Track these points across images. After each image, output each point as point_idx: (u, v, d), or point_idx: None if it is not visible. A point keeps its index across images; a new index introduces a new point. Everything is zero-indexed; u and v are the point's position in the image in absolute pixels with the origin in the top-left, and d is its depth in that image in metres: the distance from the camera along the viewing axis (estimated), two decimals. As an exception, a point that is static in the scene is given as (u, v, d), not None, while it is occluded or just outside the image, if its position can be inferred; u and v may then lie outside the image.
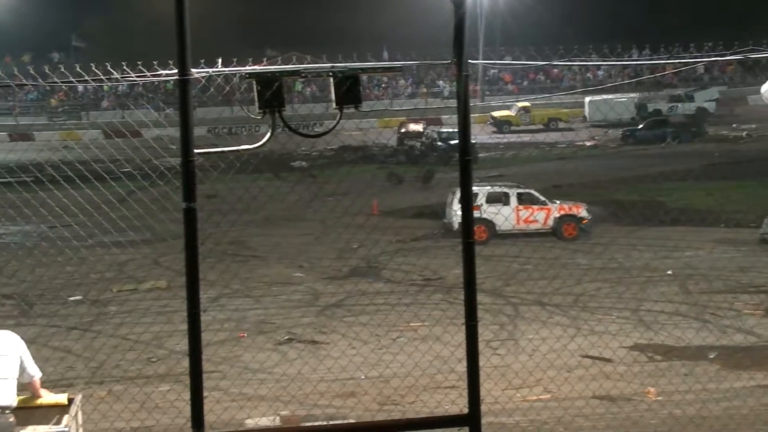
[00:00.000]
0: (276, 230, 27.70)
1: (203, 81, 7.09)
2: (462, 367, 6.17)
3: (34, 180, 12.32)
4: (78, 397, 8.51)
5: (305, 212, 30.15)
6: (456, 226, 24.70)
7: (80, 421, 8.53)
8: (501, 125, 64.18)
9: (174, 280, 20.04)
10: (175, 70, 6.31)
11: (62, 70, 9.09)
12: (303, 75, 7.04)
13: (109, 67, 7.67)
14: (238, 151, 6.95)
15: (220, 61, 7.08)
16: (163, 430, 11.07)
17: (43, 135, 65.26)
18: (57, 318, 17.52)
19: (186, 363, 6.42)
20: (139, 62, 7.46)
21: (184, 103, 6.20)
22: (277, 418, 11.75)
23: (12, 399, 7.79)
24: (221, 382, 13.27)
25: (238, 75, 6.98)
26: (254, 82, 6.60)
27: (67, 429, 7.95)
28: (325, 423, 10.94)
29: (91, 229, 13.11)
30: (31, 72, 9.64)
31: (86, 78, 7.80)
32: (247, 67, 6.96)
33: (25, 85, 12.37)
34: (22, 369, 7.96)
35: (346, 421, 10.93)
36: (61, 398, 8.39)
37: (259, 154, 7.40)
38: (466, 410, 5.94)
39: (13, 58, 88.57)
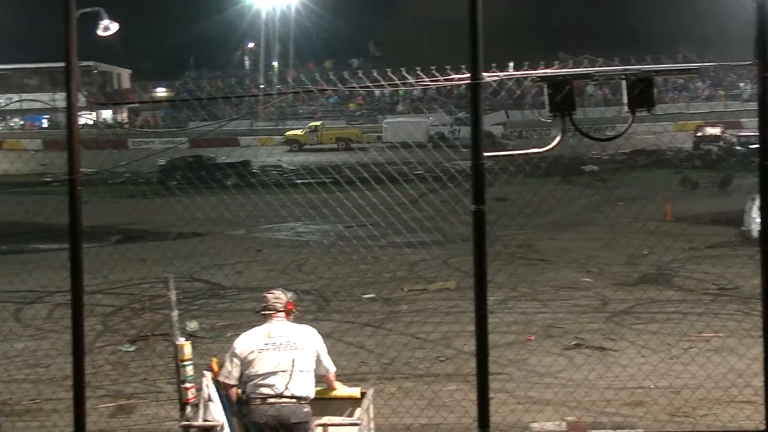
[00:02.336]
0: (564, 234, 27.48)
1: (494, 85, 7.16)
2: (759, 382, 5.90)
3: (332, 181, 12.86)
4: (370, 392, 8.80)
5: (594, 216, 29.74)
6: (755, 233, 23.58)
7: (371, 415, 8.83)
8: (291, 144, 69.70)
9: (463, 281, 20.28)
10: (467, 75, 6.41)
11: (360, 75, 9.44)
12: (594, 78, 6.97)
13: (404, 72, 7.89)
14: (527, 154, 6.97)
15: (511, 65, 7.12)
16: (449, 428, 11.24)
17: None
18: (351, 314, 18.15)
19: (473, 363, 6.51)
20: (432, 67, 7.62)
21: (476, 107, 6.29)
22: (563, 423, 11.63)
23: (310, 390, 8.18)
24: (507, 384, 13.30)
25: (529, 78, 7.00)
26: (545, 86, 6.60)
27: (359, 422, 8.24)
28: (612, 431, 10.75)
29: (384, 230, 13.55)
30: (332, 77, 10.08)
31: (382, 83, 8.05)
32: (538, 71, 6.97)
33: (326, 90, 13.05)
34: (319, 362, 8.33)
35: (634, 431, 10.69)
36: (355, 392, 8.71)
37: (549, 157, 7.41)
38: (762, 426, 5.69)
39: (316, 64, 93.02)
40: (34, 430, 12.03)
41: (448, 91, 69.94)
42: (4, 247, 29.55)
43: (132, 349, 16.18)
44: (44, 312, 19.21)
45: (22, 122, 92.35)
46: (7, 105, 66.36)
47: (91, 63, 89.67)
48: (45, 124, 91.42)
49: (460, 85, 7.31)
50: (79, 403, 7.28)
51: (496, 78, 6.94)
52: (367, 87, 9.05)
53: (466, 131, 64.32)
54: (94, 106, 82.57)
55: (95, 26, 9.46)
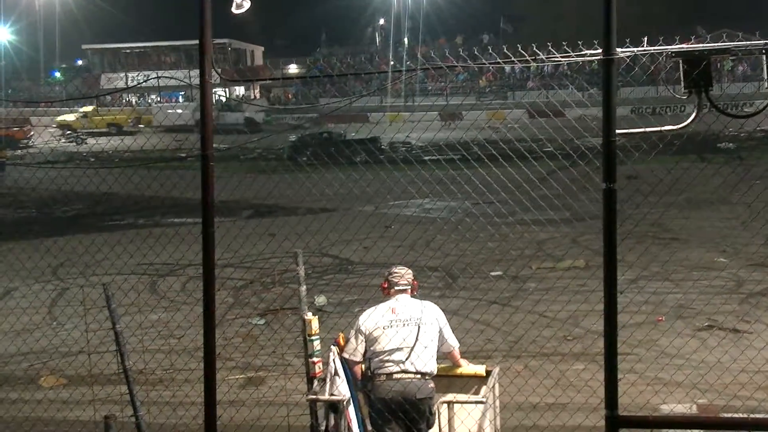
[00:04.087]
0: (698, 213, 26.83)
1: (628, 61, 7.00)
2: None
3: (460, 158, 12.81)
4: (496, 370, 8.77)
5: (730, 195, 28.92)
6: None
7: (497, 393, 8.80)
8: (64, 129, 70.20)
9: (592, 260, 20.03)
10: (600, 50, 6.28)
11: (490, 51, 9.36)
12: (733, 53, 6.75)
13: (534, 48, 7.78)
14: (661, 131, 6.79)
15: (645, 39, 6.95)
16: (576, 408, 11.13)
17: (471, 114, 67.72)
18: (478, 292, 18.11)
19: (601, 343, 6.39)
20: (564, 43, 7.49)
21: (608, 83, 6.15)
22: (694, 405, 11.41)
23: (433, 366, 8.20)
24: (636, 365, 13.09)
25: (664, 54, 6.82)
26: (680, 61, 6.41)
27: (484, 399, 8.22)
28: (745, 416, 10.46)
29: (512, 207, 13.42)
30: (461, 54, 10.03)
31: (513, 59, 7.96)
32: (674, 46, 6.78)
33: (456, 66, 12.92)
34: (443, 339, 8.35)
35: (769, 417, 10.38)
36: (480, 369, 8.69)
37: (683, 134, 7.20)
38: None
39: (447, 40, 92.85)
40: (166, 399, 12.39)
41: (579, 67, 68.91)
42: (140, 221, 30.48)
43: (261, 322, 16.49)
44: (178, 285, 19.74)
45: (159, 99, 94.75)
46: (144, 81, 68.41)
47: (225, 40, 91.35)
48: (181, 100, 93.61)
49: (592, 62, 7.16)
50: (209, 374, 7.44)
51: (629, 53, 6.78)
52: (497, 63, 8.95)
53: (231, 117, 69.72)
54: (227, 82, 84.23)
55: (230, 4, 9.59)
